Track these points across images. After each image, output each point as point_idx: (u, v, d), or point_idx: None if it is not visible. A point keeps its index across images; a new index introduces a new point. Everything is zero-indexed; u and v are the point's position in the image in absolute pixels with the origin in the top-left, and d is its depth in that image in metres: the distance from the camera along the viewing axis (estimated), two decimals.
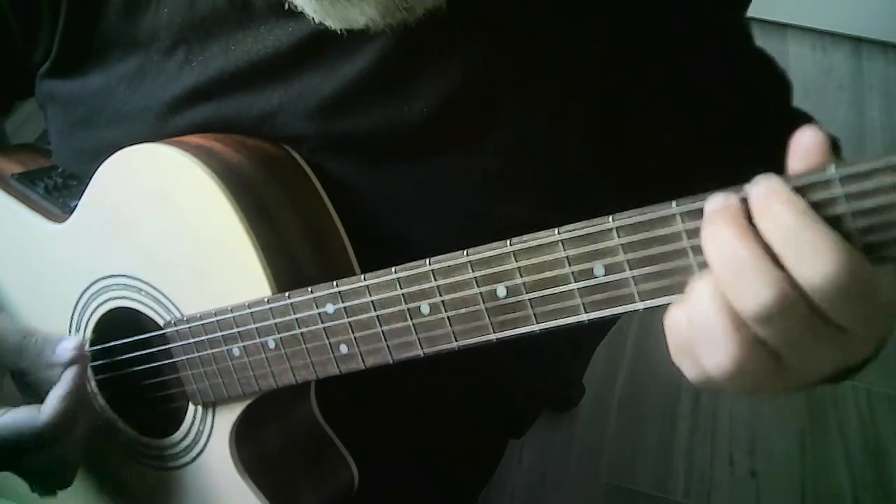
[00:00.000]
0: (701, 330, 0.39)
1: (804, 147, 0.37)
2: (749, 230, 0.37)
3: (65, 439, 0.58)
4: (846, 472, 1.46)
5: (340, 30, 0.52)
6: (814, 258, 0.35)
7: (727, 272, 0.37)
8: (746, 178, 0.55)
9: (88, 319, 0.66)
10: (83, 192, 0.63)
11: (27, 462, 0.58)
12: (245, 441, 0.62)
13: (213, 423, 0.62)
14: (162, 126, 0.62)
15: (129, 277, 0.62)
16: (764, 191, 0.37)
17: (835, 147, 0.63)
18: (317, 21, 0.52)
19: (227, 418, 0.61)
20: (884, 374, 1.59)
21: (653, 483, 1.44)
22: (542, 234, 0.43)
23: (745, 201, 0.37)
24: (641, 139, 0.61)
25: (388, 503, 0.76)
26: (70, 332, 0.67)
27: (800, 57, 2.41)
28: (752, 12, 0.83)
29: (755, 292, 0.36)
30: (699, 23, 0.60)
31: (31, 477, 0.60)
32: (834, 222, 0.35)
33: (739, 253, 0.36)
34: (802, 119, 0.63)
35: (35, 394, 0.60)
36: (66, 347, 0.59)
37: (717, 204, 0.38)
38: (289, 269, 0.56)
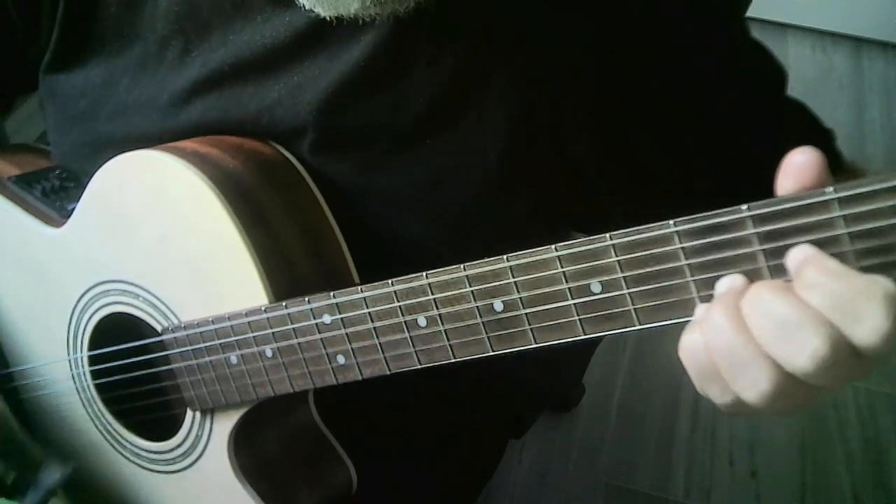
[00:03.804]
0: (726, 356, 0.38)
1: (796, 168, 0.36)
2: (789, 291, 0.36)
3: None
4: (846, 472, 1.46)
5: (331, 17, 0.51)
6: (864, 321, 0.34)
7: (773, 333, 0.36)
8: (741, 171, 0.55)
9: (86, 324, 0.66)
10: (80, 195, 0.63)
11: None
12: (243, 446, 0.62)
13: (211, 428, 0.62)
14: (162, 118, 0.62)
15: (127, 283, 0.62)
16: (801, 259, 0.36)
17: (830, 140, 0.63)
18: (307, 7, 0.52)
19: (225, 424, 0.61)
20: (884, 374, 1.59)
21: (653, 483, 1.45)
22: (539, 249, 0.43)
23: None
24: (639, 129, 0.61)
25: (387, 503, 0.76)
26: (68, 336, 0.67)
27: (800, 57, 2.40)
28: (752, 12, 0.83)
29: (807, 348, 0.35)
30: (694, 12, 0.59)
31: None
32: (831, 244, 0.35)
33: (784, 313, 0.36)
34: (795, 109, 0.63)
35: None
36: (50, 480, 0.61)
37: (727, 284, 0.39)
38: (285, 275, 0.56)
